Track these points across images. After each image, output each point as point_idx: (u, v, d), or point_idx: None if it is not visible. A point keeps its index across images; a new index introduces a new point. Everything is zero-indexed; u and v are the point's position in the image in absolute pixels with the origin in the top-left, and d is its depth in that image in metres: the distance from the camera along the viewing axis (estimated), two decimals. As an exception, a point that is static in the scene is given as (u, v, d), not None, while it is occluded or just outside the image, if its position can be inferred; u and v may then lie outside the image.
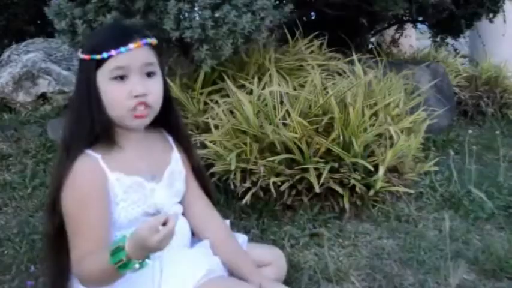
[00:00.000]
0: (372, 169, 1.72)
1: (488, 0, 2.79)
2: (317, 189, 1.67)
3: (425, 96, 2.30)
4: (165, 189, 1.08)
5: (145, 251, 0.86)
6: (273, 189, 1.68)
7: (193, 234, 1.15)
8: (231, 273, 1.11)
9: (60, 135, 1.08)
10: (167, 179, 1.09)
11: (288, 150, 1.73)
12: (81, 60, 1.02)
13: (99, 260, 0.90)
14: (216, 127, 1.85)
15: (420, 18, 3.04)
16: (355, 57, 2.19)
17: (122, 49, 0.98)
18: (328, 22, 2.77)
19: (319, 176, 1.68)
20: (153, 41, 1.03)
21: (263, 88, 1.92)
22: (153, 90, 1.02)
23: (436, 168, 2.05)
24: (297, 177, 1.71)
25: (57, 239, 1.02)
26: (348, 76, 2.12)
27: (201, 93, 2.02)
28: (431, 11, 2.60)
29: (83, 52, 1.02)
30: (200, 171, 1.20)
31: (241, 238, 1.21)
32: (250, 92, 1.92)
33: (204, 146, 1.82)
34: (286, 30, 2.34)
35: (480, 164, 2.30)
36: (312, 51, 2.34)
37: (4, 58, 2.87)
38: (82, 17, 1.82)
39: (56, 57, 2.79)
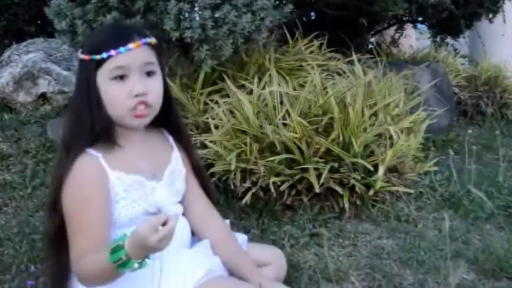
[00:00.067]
0: (372, 169, 1.73)
1: (488, 1, 2.79)
2: (317, 189, 1.67)
3: (425, 96, 2.31)
4: (166, 189, 1.09)
5: (145, 250, 0.86)
6: (273, 189, 1.68)
7: (193, 234, 1.16)
8: (231, 273, 1.12)
9: (60, 135, 1.08)
10: (167, 178, 1.09)
11: (288, 150, 1.74)
12: (81, 61, 1.03)
13: (99, 258, 0.91)
14: (216, 127, 1.86)
15: (420, 19, 3.05)
16: (355, 57, 2.19)
17: (122, 49, 0.98)
18: (328, 22, 2.78)
19: (319, 176, 1.68)
20: (152, 40, 1.04)
21: (263, 88, 1.92)
22: (153, 90, 1.02)
23: (436, 168, 2.05)
24: (297, 177, 1.71)
25: (58, 239, 1.03)
26: (348, 76, 2.12)
27: (201, 93, 2.02)
28: (431, 11, 2.60)
29: (82, 52, 1.03)
30: (200, 170, 1.20)
31: (241, 238, 1.21)
32: (250, 92, 1.92)
33: (204, 146, 1.82)
34: (286, 31, 2.34)
35: (480, 164, 2.30)
36: (311, 52, 2.34)
37: (4, 58, 2.87)
38: (82, 17, 1.82)
39: (56, 57, 2.79)
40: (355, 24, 3.02)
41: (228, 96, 1.96)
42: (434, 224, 1.74)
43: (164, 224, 0.85)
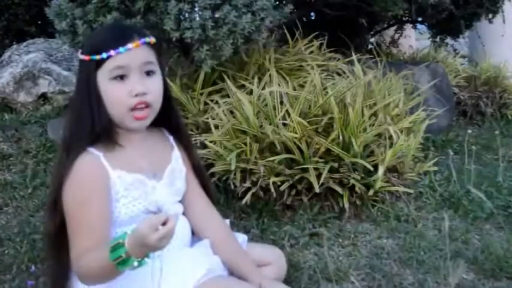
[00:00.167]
0: (372, 169, 1.73)
1: (488, 1, 2.79)
2: (317, 189, 1.68)
3: (424, 97, 2.31)
4: (166, 188, 1.09)
5: (145, 248, 0.86)
6: (272, 189, 1.68)
7: (193, 233, 1.16)
8: (231, 272, 1.12)
9: (61, 135, 1.09)
10: (168, 178, 1.10)
11: (287, 150, 1.74)
12: (81, 61, 1.03)
13: (99, 256, 0.91)
14: (216, 127, 1.86)
15: (419, 19, 3.05)
16: (354, 57, 2.19)
17: (121, 49, 0.99)
18: (327, 22, 2.78)
19: (319, 176, 1.69)
20: (152, 40, 1.04)
21: (263, 88, 1.92)
22: (153, 89, 1.03)
23: (436, 168, 2.05)
24: (297, 177, 1.71)
25: (58, 239, 1.03)
26: (348, 76, 2.12)
27: (201, 94, 2.03)
28: (431, 11, 2.60)
29: (82, 53, 1.03)
30: (200, 170, 1.20)
31: (241, 238, 1.21)
32: (250, 92, 1.92)
33: (204, 146, 1.82)
34: (286, 31, 2.35)
35: (479, 164, 2.30)
36: (311, 52, 2.34)
37: (5, 58, 2.88)
38: (82, 17, 1.83)
39: (56, 57, 2.80)
40: (355, 24, 3.02)
41: (228, 96, 1.97)
42: (434, 224, 1.74)
43: (164, 223, 0.86)
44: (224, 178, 1.77)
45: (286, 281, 1.23)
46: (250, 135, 1.77)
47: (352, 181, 1.71)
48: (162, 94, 1.05)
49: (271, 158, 1.70)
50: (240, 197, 1.75)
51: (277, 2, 2.23)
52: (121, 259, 0.87)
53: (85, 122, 1.01)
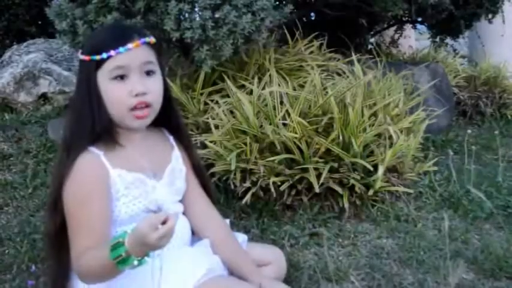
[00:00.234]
0: (372, 169, 1.73)
1: (487, 1, 2.80)
2: (317, 189, 1.68)
3: (424, 97, 2.31)
4: (166, 187, 1.09)
5: (145, 247, 0.87)
6: (272, 189, 1.69)
7: (193, 233, 1.16)
8: (231, 272, 1.12)
9: (61, 135, 1.09)
10: (168, 177, 1.10)
11: (287, 150, 1.74)
12: (81, 61, 1.04)
13: (99, 255, 0.91)
14: (216, 127, 1.86)
15: (419, 19, 3.05)
16: (354, 57, 2.20)
17: (121, 49, 0.99)
18: (327, 23, 2.78)
19: (318, 176, 1.69)
20: (152, 39, 1.05)
21: (263, 88, 1.93)
22: (153, 89, 1.03)
23: (435, 168, 2.06)
24: (297, 177, 1.72)
25: (59, 238, 1.03)
26: (348, 76, 2.13)
27: (201, 94, 2.03)
28: (431, 11, 2.61)
29: (82, 53, 1.03)
30: (200, 170, 1.20)
31: (241, 237, 1.22)
32: (250, 92, 1.92)
33: (204, 146, 1.83)
34: (286, 31, 2.35)
35: (479, 164, 2.31)
36: (311, 52, 2.34)
37: (5, 58, 2.88)
38: (83, 17, 1.83)
39: (56, 57, 2.80)
40: (354, 24, 3.02)
41: (228, 96, 1.97)
42: (433, 224, 1.74)
43: (164, 222, 0.86)
44: (224, 178, 1.78)
45: (286, 280, 1.23)
46: (250, 135, 1.77)
47: (352, 181, 1.71)
48: (162, 94, 1.06)
49: (271, 158, 1.71)
50: (240, 197, 1.75)
51: (277, 2, 2.23)
52: (121, 258, 0.87)
53: (85, 122, 1.01)
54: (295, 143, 1.73)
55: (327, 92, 1.91)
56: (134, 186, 1.03)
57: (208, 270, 1.02)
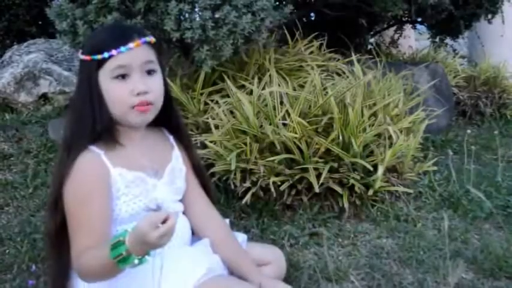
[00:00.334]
0: (371, 169, 1.73)
1: (487, 1, 2.80)
2: (317, 189, 1.68)
3: (424, 97, 2.31)
4: (166, 187, 1.09)
5: (146, 246, 0.87)
6: (272, 189, 1.69)
7: (193, 233, 1.16)
8: (231, 272, 1.12)
9: (61, 135, 1.09)
10: (168, 176, 1.10)
11: (287, 150, 1.74)
12: (82, 61, 1.04)
13: (99, 254, 0.91)
14: (216, 127, 1.86)
15: (419, 19, 3.05)
16: (354, 57, 2.20)
17: (123, 48, 1.00)
18: (327, 23, 2.79)
19: (318, 176, 1.69)
20: (152, 39, 1.05)
21: (263, 88, 1.93)
22: (154, 88, 1.04)
23: (435, 168, 2.06)
24: (297, 177, 1.72)
25: (59, 238, 1.03)
26: (348, 76, 2.13)
27: (202, 94, 2.03)
28: (430, 11, 2.61)
29: (83, 53, 1.04)
30: (200, 170, 1.21)
31: (241, 237, 1.22)
32: (250, 93, 1.93)
33: (204, 146, 1.83)
34: (286, 31, 2.35)
35: (479, 163, 2.31)
36: (311, 52, 2.35)
37: (6, 58, 2.88)
38: (83, 17, 1.83)
39: (57, 57, 2.81)
40: (354, 24, 3.03)
41: (228, 96, 1.97)
42: (433, 224, 1.75)
43: (164, 221, 0.86)
44: (224, 178, 1.78)
45: (286, 280, 1.24)
46: (250, 135, 1.77)
47: (351, 181, 1.71)
48: (163, 93, 1.06)
49: (271, 158, 1.71)
50: (240, 197, 1.75)
51: (277, 3, 2.24)
52: (121, 257, 0.87)
53: (86, 121, 1.01)
54: (295, 143, 1.73)
55: (326, 92, 1.92)
56: (135, 185, 1.04)
57: (208, 270, 1.03)
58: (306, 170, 1.71)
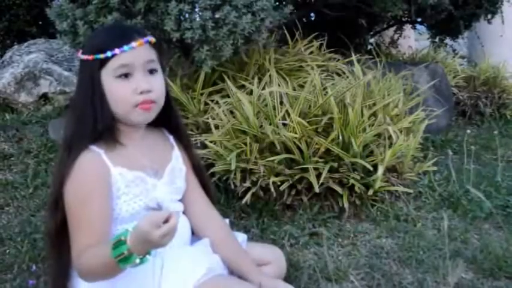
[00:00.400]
0: (371, 169, 1.74)
1: (487, 1, 2.80)
2: (317, 189, 1.68)
3: (424, 97, 2.32)
4: (166, 186, 1.10)
5: (147, 245, 0.87)
6: (272, 189, 1.69)
7: (192, 233, 1.17)
8: (231, 271, 1.12)
9: (62, 135, 1.09)
10: (168, 176, 1.11)
11: (287, 150, 1.75)
12: (83, 61, 1.04)
13: (100, 253, 0.91)
14: (217, 127, 1.87)
15: (419, 19, 3.06)
16: (354, 57, 2.20)
17: (126, 47, 1.00)
18: (327, 23, 2.79)
19: (318, 176, 1.70)
20: (152, 39, 1.06)
21: (263, 88, 1.93)
22: (156, 87, 1.04)
23: (435, 168, 2.06)
24: (297, 177, 1.72)
25: (59, 238, 1.03)
26: (347, 77, 2.13)
27: (202, 94, 2.03)
28: (430, 12, 2.62)
29: (84, 53, 1.04)
30: (200, 170, 1.21)
31: (241, 237, 1.22)
32: (250, 93, 1.93)
33: (204, 146, 1.83)
34: (286, 31, 2.35)
35: (478, 163, 2.32)
36: (311, 52, 2.35)
37: (6, 59, 2.89)
38: (83, 18, 1.83)
39: (57, 57, 2.81)
40: (354, 25, 3.03)
41: (228, 96, 1.98)
42: (433, 224, 1.75)
43: (166, 220, 0.86)
44: (224, 178, 1.78)
45: (286, 280, 1.23)
46: (250, 135, 1.77)
47: (351, 181, 1.71)
48: (164, 92, 1.07)
49: (271, 158, 1.71)
50: (240, 197, 1.76)
51: (277, 3, 2.24)
52: (123, 256, 0.87)
53: (87, 121, 1.01)
54: (295, 143, 1.74)
55: (326, 92, 1.92)
56: (135, 185, 1.04)
57: (208, 270, 1.03)
58: (306, 170, 1.71)
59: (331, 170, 1.72)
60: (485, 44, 3.70)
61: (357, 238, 1.66)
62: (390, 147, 1.82)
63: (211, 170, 1.75)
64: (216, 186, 1.77)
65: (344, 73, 2.19)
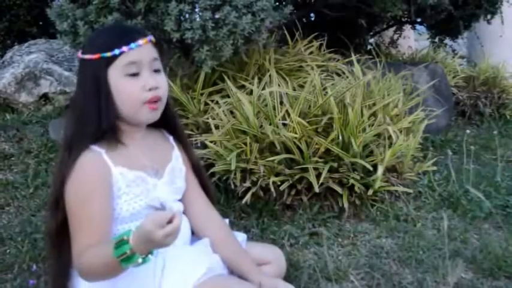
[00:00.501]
0: (371, 169, 1.74)
1: (486, 2, 2.81)
2: (316, 189, 1.69)
3: (423, 97, 2.32)
4: (167, 186, 1.10)
5: (150, 245, 0.87)
6: (272, 189, 1.69)
7: (192, 232, 1.17)
8: (231, 271, 1.13)
9: (62, 135, 1.09)
10: (168, 176, 1.11)
11: (287, 150, 1.75)
12: (87, 60, 1.03)
13: (102, 253, 0.92)
14: (217, 127, 1.87)
15: (419, 20, 3.06)
16: (354, 58, 2.20)
17: (133, 45, 1.01)
18: (327, 23, 2.80)
19: (318, 176, 1.70)
20: (153, 39, 1.07)
21: (263, 88, 1.94)
22: (162, 85, 1.06)
23: (435, 168, 2.06)
24: (297, 177, 1.72)
25: (60, 237, 1.03)
26: (347, 77, 2.14)
27: (202, 94, 2.04)
28: (430, 12, 2.62)
29: (88, 52, 1.03)
30: (199, 170, 1.21)
31: (241, 237, 1.22)
32: (250, 93, 1.93)
33: (204, 146, 1.83)
34: (286, 31, 2.36)
35: (478, 163, 2.32)
36: (311, 52, 2.35)
37: (6, 59, 2.89)
38: (84, 18, 1.84)
39: (57, 58, 2.81)
40: (354, 25, 3.04)
41: (228, 96, 1.98)
42: (433, 224, 1.75)
43: (170, 221, 0.86)
44: (224, 178, 1.78)
45: (286, 280, 1.23)
46: (250, 135, 1.78)
47: (351, 181, 1.72)
48: (167, 90, 1.08)
49: (271, 158, 1.72)
50: (240, 197, 1.76)
51: (277, 3, 2.24)
52: (125, 256, 0.87)
53: (90, 121, 1.01)
54: (295, 143, 1.74)
55: (326, 92, 1.92)
56: (135, 184, 1.04)
57: (208, 270, 1.03)
58: (305, 170, 1.72)
59: (331, 170, 1.72)
60: (485, 44, 3.71)
61: (356, 238, 1.66)
62: (390, 147, 1.83)
63: (211, 170, 1.75)
64: (216, 186, 1.77)
65: (344, 73, 2.19)
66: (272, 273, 1.17)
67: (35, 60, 2.75)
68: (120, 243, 0.88)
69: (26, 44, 2.99)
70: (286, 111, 1.83)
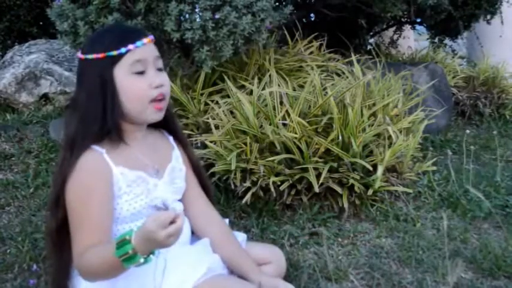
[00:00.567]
0: (371, 169, 1.74)
1: (486, 2, 2.81)
2: (316, 189, 1.69)
3: (423, 97, 2.32)
4: (167, 186, 1.10)
5: (152, 245, 0.87)
6: (272, 189, 1.70)
7: (192, 232, 1.17)
8: (231, 271, 1.13)
9: (62, 135, 1.09)
10: (168, 176, 1.11)
11: (287, 150, 1.75)
12: (90, 60, 1.02)
13: (103, 252, 0.92)
14: (217, 127, 1.87)
15: (418, 20, 3.07)
16: (354, 58, 2.21)
17: (139, 43, 1.02)
18: (327, 23, 2.80)
19: (318, 176, 1.70)
20: (153, 39, 1.08)
21: (263, 89, 1.94)
22: (166, 83, 1.07)
23: (434, 168, 2.07)
24: (297, 177, 1.73)
25: (60, 237, 1.03)
26: (347, 77, 2.14)
27: (202, 94, 2.04)
28: (430, 12, 2.62)
29: (91, 52, 1.02)
30: (199, 169, 1.22)
31: (241, 237, 1.22)
32: (250, 93, 1.93)
33: (204, 146, 1.84)
34: (286, 32, 2.36)
35: (478, 163, 2.32)
36: (311, 52, 2.36)
37: (7, 59, 2.90)
38: (84, 18, 1.84)
39: (58, 58, 2.81)
40: (354, 25, 3.04)
41: (228, 96, 1.98)
42: (432, 223, 1.75)
43: (172, 221, 0.87)
44: (224, 178, 1.79)
45: (286, 279, 1.24)
46: (250, 135, 1.78)
47: (351, 181, 1.72)
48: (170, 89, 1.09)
49: (271, 158, 1.72)
50: (240, 197, 1.76)
51: (277, 3, 2.25)
52: (127, 256, 0.88)
53: (93, 121, 1.01)
54: (295, 143, 1.74)
55: (326, 93, 1.92)
56: (136, 184, 1.04)
57: (208, 269, 1.03)
58: (305, 170, 1.72)
59: (331, 170, 1.72)
60: (485, 44, 3.71)
61: (356, 238, 1.66)
62: (390, 147, 1.83)
63: (212, 170, 1.76)
64: (216, 186, 1.77)
65: (344, 73, 2.19)
66: (272, 273, 1.17)
67: (35, 61, 2.76)
68: (122, 243, 0.88)
69: (26, 44, 2.99)
70: (286, 111, 1.83)
